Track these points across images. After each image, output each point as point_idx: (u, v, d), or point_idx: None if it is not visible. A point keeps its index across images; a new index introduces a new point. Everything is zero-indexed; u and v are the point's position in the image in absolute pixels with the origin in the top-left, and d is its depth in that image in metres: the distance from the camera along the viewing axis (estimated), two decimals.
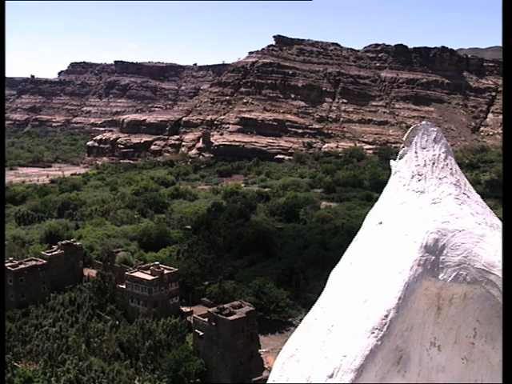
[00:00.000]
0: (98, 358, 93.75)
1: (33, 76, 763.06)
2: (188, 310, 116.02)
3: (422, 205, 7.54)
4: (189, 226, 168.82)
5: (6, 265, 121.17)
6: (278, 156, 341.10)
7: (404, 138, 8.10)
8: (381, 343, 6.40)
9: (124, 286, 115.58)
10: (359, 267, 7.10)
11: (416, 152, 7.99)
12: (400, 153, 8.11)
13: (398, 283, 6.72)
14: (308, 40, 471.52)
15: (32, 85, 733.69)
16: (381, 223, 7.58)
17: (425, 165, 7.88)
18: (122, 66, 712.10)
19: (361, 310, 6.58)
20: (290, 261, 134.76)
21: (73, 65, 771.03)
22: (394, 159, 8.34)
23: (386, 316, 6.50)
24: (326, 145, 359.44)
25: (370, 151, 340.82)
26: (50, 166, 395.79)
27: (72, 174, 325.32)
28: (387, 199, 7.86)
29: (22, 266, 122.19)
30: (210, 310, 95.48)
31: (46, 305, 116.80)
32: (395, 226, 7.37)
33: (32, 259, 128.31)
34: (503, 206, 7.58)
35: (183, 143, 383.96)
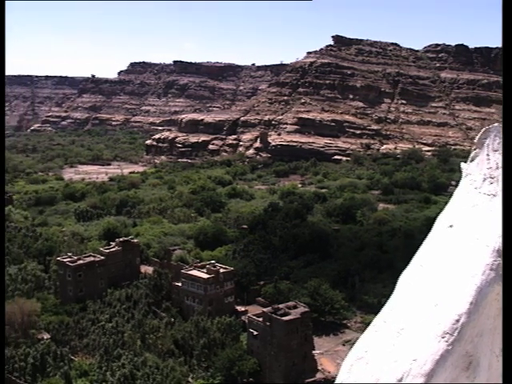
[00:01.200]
0: (153, 354, 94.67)
1: (93, 76, 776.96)
2: (243, 309, 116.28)
3: (493, 208, 7.36)
4: (245, 226, 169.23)
5: (65, 260, 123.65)
6: (336, 157, 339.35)
7: (475, 140, 7.92)
8: (451, 348, 6.25)
9: (180, 284, 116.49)
10: (430, 270, 6.95)
11: (488, 154, 7.78)
12: (471, 155, 7.90)
13: (470, 287, 6.56)
14: (367, 40, 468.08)
15: (92, 84, 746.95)
16: (452, 226, 7.40)
17: (497, 167, 7.66)
18: (181, 66, 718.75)
19: (431, 313, 6.44)
20: (346, 262, 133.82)
21: (132, 65, 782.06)
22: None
23: (457, 321, 6.34)
24: (384, 146, 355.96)
25: (429, 153, 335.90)
26: (109, 164, 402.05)
27: (130, 173, 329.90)
28: (458, 202, 7.68)
29: (81, 261, 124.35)
30: (265, 309, 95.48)
31: (103, 300, 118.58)
32: (466, 229, 7.19)
33: (90, 255, 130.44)
34: (503, 206, 7.37)
35: (241, 143, 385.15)
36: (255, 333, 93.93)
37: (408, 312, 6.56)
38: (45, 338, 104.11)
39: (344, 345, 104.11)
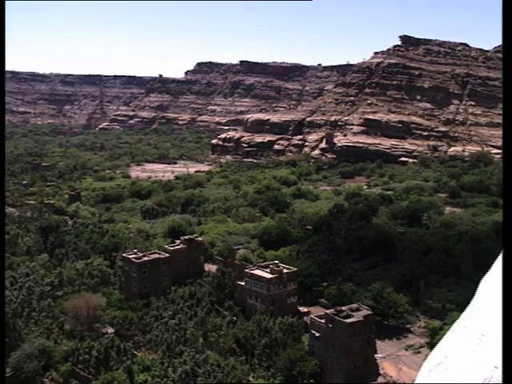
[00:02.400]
0: (215, 352, 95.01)
1: (161, 75, 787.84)
2: (305, 310, 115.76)
3: None
4: (309, 227, 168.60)
5: (131, 256, 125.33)
6: (402, 159, 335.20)
7: None
8: None
9: (243, 283, 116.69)
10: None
11: None
12: None
13: None
14: (435, 40, 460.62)
15: (160, 84, 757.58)
16: None
17: None
18: (247, 66, 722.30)
19: None
20: (411, 266, 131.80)
21: (199, 64, 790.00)
22: None
23: None
24: (452, 148, 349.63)
25: (498, 156, 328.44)
26: (175, 163, 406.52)
27: (196, 171, 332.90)
28: None
29: (146, 258, 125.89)
30: (328, 311, 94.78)
31: (166, 297, 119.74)
32: None
33: (155, 252, 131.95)
34: (503, 206, 6.77)
35: (306, 143, 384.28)
36: (317, 334, 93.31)
37: (489, 319, 6.11)
38: (109, 332, 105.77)
39: (407, 349, 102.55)
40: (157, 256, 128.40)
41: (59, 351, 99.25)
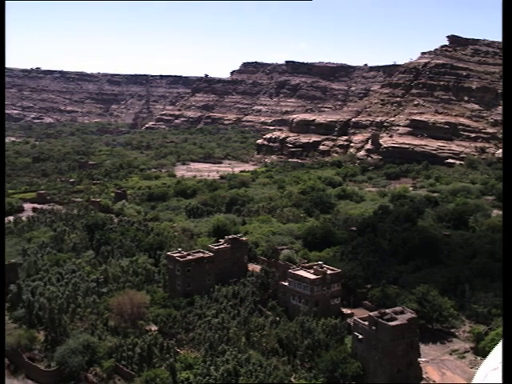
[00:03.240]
0: (257, 352, 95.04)
1: (207, 75, 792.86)
2: (349, 311, 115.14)
3: None
4: (354, 228, 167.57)
5: (175, 255, 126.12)
6: (449, 160, 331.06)
7: None
8: None
9: (287, 284, 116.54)
10: None
11: None
12: None
13: None
14: (483, 40, 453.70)
15: (206, 84, 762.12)
16: None
17: None
18: (293, 66, 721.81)
19: None
20: (457, 269, 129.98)
21: (245, 64, 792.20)
22: None
23: None
24: (500, 150, 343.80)
25: None
26: (221, 163, 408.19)
27: (241, 171, 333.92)
28: None
29: (190, 257, 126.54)
30: (371, 313, 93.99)
31: (210, 296, 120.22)
32: None
33: (199, 251, 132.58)
34: (503, 206, 6.61)
35: (352, 144, 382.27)
36: (360, 336, 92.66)
37: None
38: (152, 329, 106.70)
39: (451, 354, 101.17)
40: (201, 255, 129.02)
41: (103, 347, 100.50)
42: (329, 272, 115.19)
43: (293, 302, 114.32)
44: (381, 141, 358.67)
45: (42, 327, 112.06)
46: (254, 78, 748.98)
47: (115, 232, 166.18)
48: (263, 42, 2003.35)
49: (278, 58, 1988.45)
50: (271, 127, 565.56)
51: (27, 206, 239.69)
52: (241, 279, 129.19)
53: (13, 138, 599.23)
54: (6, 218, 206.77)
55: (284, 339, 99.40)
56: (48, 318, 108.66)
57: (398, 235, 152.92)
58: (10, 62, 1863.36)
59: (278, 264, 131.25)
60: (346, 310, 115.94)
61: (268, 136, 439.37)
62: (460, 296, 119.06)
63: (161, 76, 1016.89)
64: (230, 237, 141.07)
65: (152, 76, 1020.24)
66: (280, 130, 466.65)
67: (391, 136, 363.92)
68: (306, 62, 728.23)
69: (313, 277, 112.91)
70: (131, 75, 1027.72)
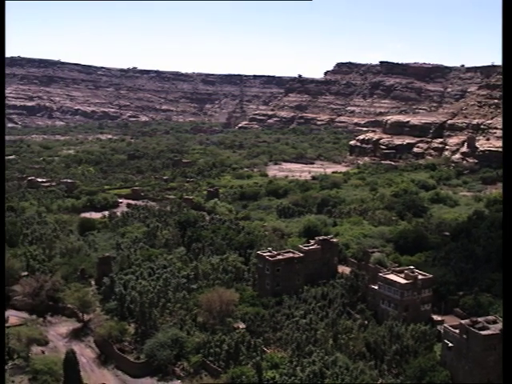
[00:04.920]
0: (344, 355, 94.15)
1: (300, 75, 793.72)
2: (439, 318, 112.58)
3: None
4: (447, 233, 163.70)
5: (265, 254, 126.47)
6: None
7: None
8: None
9: (376, 287, 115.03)
10: None
11: None
12: None
13: None
14: None
15: (299, 84, 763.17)
16: None
17: None
18: (387, 67, 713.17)
19: None
20: None
21: (339, 65, 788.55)
22: None
23: None
24: None
25: None
26: (313, 163, 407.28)
27: (333, 172, 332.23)
28: None
29: (280, 256, 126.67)
30: (463, 321, 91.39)
31: (298, 296, 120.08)
32: None
33: (289, 251, 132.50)
34: (503, 204, 5.85)
35: (446, 147, 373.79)
36: (450, 344, 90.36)
37: None
38: (240, 327, 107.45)
39: None
40: (291, 255, 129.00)
41: (191, 342, 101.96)
42: (420, 277, 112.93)
43: (382, 306, 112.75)
44: (477, 144, 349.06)
45: (132, 320, 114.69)
46: (347, 79, 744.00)
47: (207, 230, 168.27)
48: (357, 42, 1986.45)
49: (372, 58, 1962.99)
50: (364, 128, 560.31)
51: (122, 201, 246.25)
52: (330, 281, 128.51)
53: (109, 136, 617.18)
54: (101, 213, 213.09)
55: (372, 343, 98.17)
56: (139, 311, 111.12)
57: (492, 242, 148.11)
58: (108, 62, 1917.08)
59: (368, 267, 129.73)
60: (436, 317, 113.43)
61: (361, 137, 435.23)
62: None
63: (254, 76, 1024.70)
64: (321, 238, 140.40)
65: (246, 76, 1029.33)
66: (373, 131, 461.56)
67: (488, 139, 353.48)
68: (400, 62, 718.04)
69: (403, 281, 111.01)
70: (225, 75, 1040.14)
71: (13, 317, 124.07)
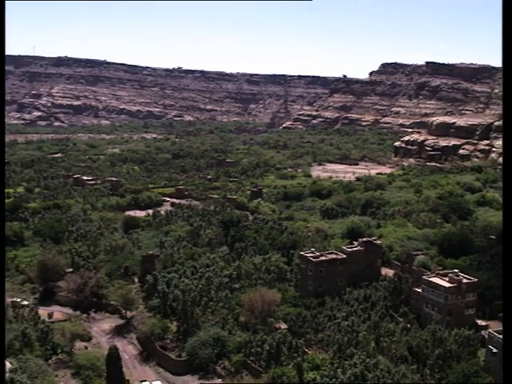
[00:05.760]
0: (386, 358, 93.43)
1: (345, 76, 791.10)
2: (483, 323, 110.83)
3: None
4: (493, 236, 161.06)
5: (308, 255, 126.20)
6: None
7: None
8: None
9: (420, 290, 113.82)
10: None
11: None
12: None
13: None
14: None
15: (344, 84, 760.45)
16: None
17: None
18: (433, 67, 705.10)
19: None
20: None
21: (384, 65, 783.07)
22: None
23: None
24: None
25: None
26: (357, 164, 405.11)
27: (377, 173, 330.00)
28: None
29: (323, 258, 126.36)
30: None
31: (341, 298, 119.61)
32: None
33: (332, 252, 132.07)
34: (503, 204, 5.59)
35: (493, 149, 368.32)
36: (494, 350, 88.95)
37: None
38: (282, 327, 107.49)
39: None
40: (334, 256, 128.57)
41: (233, 341, 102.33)
42: (464, 281, 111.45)
43: (425, 310, 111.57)
44: None
45: (174, 318, 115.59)
46: (392, 79, 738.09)
47: (250, 229, 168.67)
48: (403, 42, 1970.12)
49: (417, 58, 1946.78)
50: (409, 129, 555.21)
51: (167, 200, 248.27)
52: (373, 283, 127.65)
53: (154, 135, 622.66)
54: (146, 211, 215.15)
55: (414, 347, 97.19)
56: (181, 310, 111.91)
57: None
58: (153, 62, 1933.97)
59: (411, 270, 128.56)
60: (480, 322, 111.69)
61: (406, 138, 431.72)
62: None
63: (299, 76, 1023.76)
64: (364, 239, 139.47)
65: (290, 76, 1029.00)
66: (418, 132, 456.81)
67: None
68: (446, 62, 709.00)
69: (448, 285, 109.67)
70: (270, 75, 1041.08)
71: (57, 312, 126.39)
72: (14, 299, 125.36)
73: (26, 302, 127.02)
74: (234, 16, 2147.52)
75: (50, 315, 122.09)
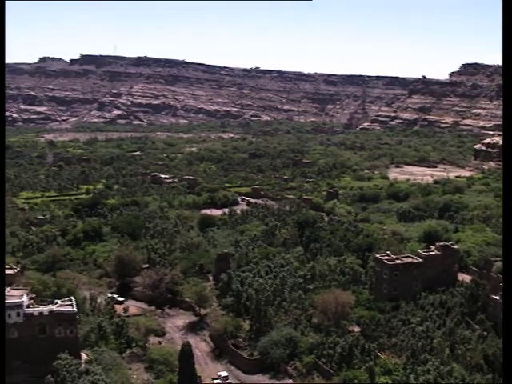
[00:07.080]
0: (460, 366, 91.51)
1: (424, 76, 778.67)
2: None
3: None
4: None
5: (383, 258, 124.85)
6: None
7: None
8: None
9: (498, 298, 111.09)
10: None
11: None
12: None
13: None
14: None
15: (423, 85, 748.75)
16: None
17: None
18: None
19: None
20: None
21: (464, 66, 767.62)
22: None
23: None
24: None
25: None
26: (435, 167, 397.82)
27: (456, 177, 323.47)
28: None
29: (398, 261, 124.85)
30: None
31: (416, 302, 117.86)
32: None
33: (408, 256, 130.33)
34: (503, 204, 5.23)
35: None
36: None
37: None
38: (355, 330, 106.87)
39: None
40: (410, 260, 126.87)
41: (305, 342, 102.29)
42: None
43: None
44: None
45: (247, 317, 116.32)
46: (473, 80, 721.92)
47: (325, 230, 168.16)
48: (484, 42, 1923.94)
49: (499, 59, 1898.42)
50: (491, 132, 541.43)
51: (244, 199, 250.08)
52: (449, 288, 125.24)
53: (231, 135, 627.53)
54: (221, 210, 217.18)
55: (490, 356, 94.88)
56: (254, 309, 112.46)
57: None
58: (231, 62, 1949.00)
59: (490, 276, 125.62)
60: None
61: (487, 141, 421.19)
62: None
63: (377, 77, 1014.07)
64: (441, 244, 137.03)
65: (368, 76, 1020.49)
66: (500, 135, 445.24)
67: None
68: None
69: None
70: (347, 75, 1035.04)
71: (132, 307, 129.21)
72: (92, 292, 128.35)
73: (121, 299, 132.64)
74: (311, 17, 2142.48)
75: (126, 309, 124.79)
